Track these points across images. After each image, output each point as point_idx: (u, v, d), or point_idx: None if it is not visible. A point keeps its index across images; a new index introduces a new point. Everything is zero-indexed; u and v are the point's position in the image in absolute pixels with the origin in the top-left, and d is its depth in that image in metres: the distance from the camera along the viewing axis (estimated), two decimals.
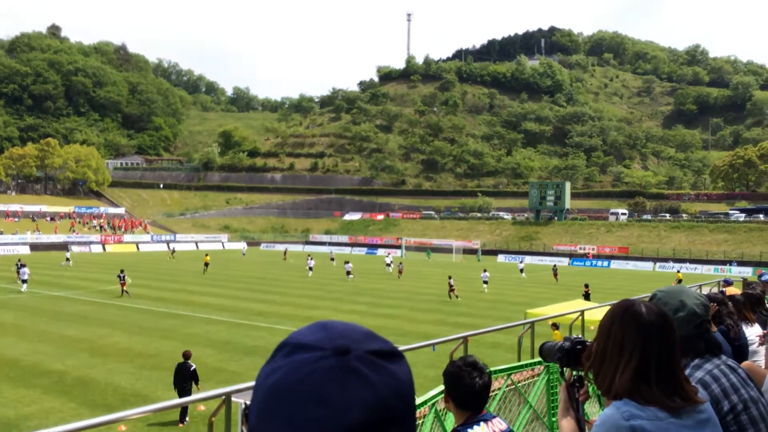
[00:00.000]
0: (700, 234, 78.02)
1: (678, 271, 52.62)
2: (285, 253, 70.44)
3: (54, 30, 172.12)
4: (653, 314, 1.98)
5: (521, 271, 53.47)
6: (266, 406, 0.83)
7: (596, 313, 13.17)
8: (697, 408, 1.91)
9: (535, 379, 7.10)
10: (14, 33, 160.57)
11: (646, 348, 1.90)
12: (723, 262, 66.35)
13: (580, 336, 2.52)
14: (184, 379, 13.90)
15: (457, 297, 34.81)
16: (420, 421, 5.55)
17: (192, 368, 14.04)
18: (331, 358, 0.82)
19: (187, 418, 13.88)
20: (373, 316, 28.50)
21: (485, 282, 40.54)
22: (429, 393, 5.45)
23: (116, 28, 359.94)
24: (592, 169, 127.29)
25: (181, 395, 13.63)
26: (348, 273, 47.42)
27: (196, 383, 13.97)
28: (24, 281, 36.02)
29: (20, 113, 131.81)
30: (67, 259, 54.47)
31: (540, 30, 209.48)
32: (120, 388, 16.19)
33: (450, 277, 36.58)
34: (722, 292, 6.80)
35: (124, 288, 34.01)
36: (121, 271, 35.10)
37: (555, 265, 56.66)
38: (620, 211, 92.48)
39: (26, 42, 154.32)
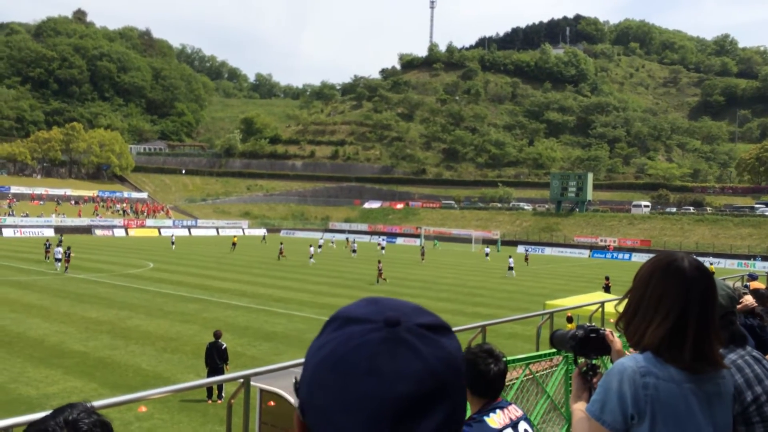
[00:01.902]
0: (725, 228, 76.86)
1: (710, 264, 52.85)
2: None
3: (80, 15, 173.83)
4: (697, 270, 1.89)
5: (486, 255, 61.50)
6: (317, 379, 0.84)
7: (623, 304, 13.00)
8: (720, 374, 1.87)
9: (554, 369, 7.06)
10: (41, 17, 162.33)
11: (685, 306, 1.84)
12: (747, 257, 65.36)
13: (593, 324, 2.48)
14: (215, 358, 14.27)
15: (385, 280, 36.19)
16: None
17: (223, 347, 14.41)
18: (381, 330, 0.83)
19: (222, 395, 14.22)
20: None
21: (510, 268, 43.76)
22: None
23: (141, 13, 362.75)
24: (616, 160, 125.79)
25: (210, 374, 13.99)
26: (353, 251, 56.25)
27: (226, 363, 14.27)
28: (58, 260, 38.30)
29: (46, 97, 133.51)
30: (172, 243, 57.78)
31: (565, 18, 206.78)
32: (141, 370, 16.41)
33: (379, 261, 38.54)
34: (746, 287, 6.69)
35: (67, 265, 37.12)
36: (68, 248, 38.66)
37: (527, 251, 63.21)
38: (643, 203, 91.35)
39: (52, 27, 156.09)
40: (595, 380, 2.25)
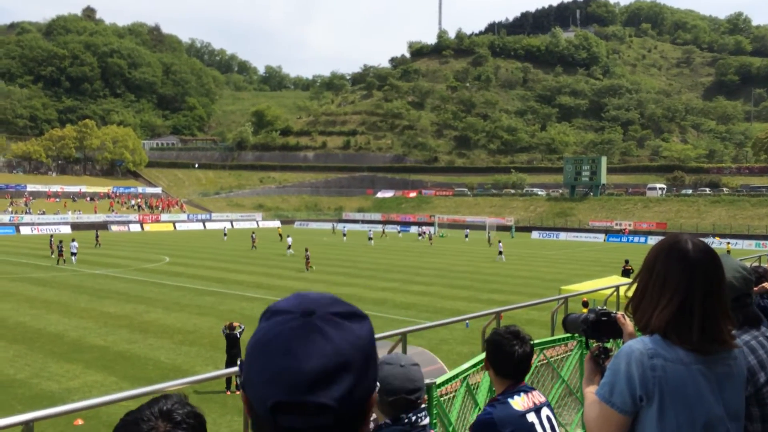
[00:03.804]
0: (742, 208, 76.07)
1: (728, 243, 53.03)
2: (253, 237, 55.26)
3: (89, 12, 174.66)
4: (700, 251, 1.88)
5: (466, 236, 68.17)
6: (249, 358, 1.04)
7: (632, 289, 12.93)
8: (732, 354, 1.87)
9: (569, 354, 7.05)
10: (51, 16, 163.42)
11: (690, 287, 1.83)
12: (765, 237, 64.68)
13: (605, 308, 2.48)
14: (231, 346, 14.88)
15: (312, 268, 36.46)
16: (451, 395, 5.57)
17: (237, 335, 14.98)
18: (299, 319, 1.02)
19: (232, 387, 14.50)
20: (406, 293, 28.59)
21: (500, 252, 44.84)
22: (461, 366, 5.45)
23: (150, 9, 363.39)
24: (629, 143, 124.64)
25: (229, 364, 14.61)
26: (369, 238, 59.65)
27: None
28: (74, 254, 39.49)
29: (58, 95, 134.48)
30: (289, 247, 47.02)
31: (575, 1, 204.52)
32: (160, 363, 16.61)
33: (306, 249, 38.25)
34: (764, 267, 6.61)
35: (62, 257, 38.92)
36: (60, 242, 40.33)
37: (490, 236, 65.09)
38: (658, 185, 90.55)
39: (62, 25, 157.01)
40: (606, 363, 2.25)
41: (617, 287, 11.81)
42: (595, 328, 2.38)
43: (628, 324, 2.31)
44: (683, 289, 1.84)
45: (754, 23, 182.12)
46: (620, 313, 2.36)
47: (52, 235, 49.99)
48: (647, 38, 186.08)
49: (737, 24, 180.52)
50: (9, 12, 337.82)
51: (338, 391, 0.99)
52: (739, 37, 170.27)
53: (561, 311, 10.49)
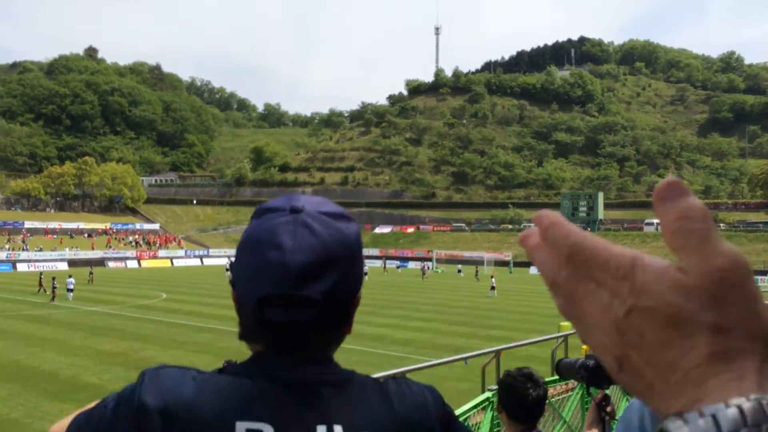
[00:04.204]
0: (739, 244, 76.16)
1: None
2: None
3: (91, 52, 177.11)
4: None
5: (458, 271, 68.24)
6: (239, 255, 1.06)
7: None
8: None
9: (570, 393, 6.98)
10: (53, 55, 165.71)
11: None
12: (764, 273, 64.60)
13: None
14: None
15: None
16: None
17: None
18: (287, 215, 1.04)
19: None
20: (405, 329, 28.39)
21: (492, 287, 44.46)
22: (462, 407, 5.40)
23: (151, 48, 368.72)
24: (626, 179, 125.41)
25: None
26: (365, 273, 58.92)
27: None
28: (70, 290, 38.93)
29: (59, 133, 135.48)
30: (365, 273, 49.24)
31: (570, 40, 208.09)
32: None
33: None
34: None
35: (55, 294, 38.27)
36: (53, 278, 39.96)
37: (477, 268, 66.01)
38: (655, 221, 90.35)
39: (64, 64, 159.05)
40: (608, 408, 2.20)
41: None
42: (596, 374, 2.30)
43: None
44: None
45: (747, 62, 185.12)
46: None
47: (41, 273, 49.60)
48: (641, 76, 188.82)
49: (730, 62, 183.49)
50: (11, 51, 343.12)
51: (324, 285, 0.99)
52: (732, 76, 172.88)
53: (561, 349, 10.43)
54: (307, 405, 1.00)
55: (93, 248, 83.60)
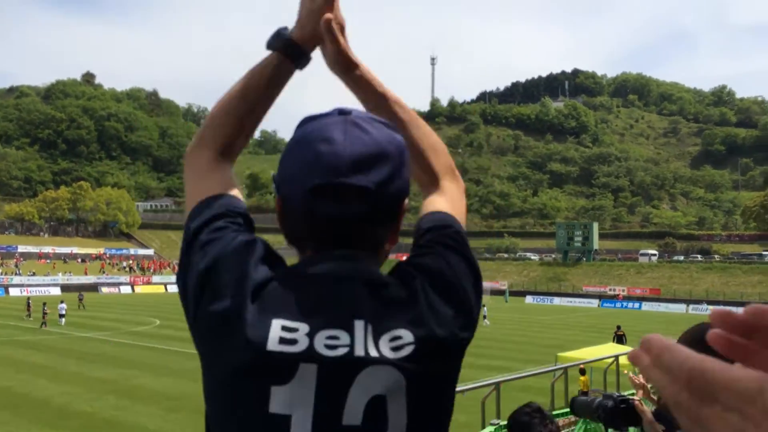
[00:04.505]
0: (734, 275, 76.30)
1: None
2: None
3: (88, 77, 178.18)
4: None
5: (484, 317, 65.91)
6: (285, 156, 1.05)
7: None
8: None
9: (572, 428, 6.91)
10: (50, 80, 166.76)
11: None
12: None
13: (620, 393, 2.41)
14: None
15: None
16: None
17: None
18: (336, 116, 1.03)
19: None
20: None
21: (484, 317, 43.62)
22: None
23: (148, 74, 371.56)
24: (620, 209, 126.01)
25: None
26: None
27: None
28: (62, 316, 38.59)
29: (54, 157, 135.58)
30: None
31: (563, 72, 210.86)
32: (147, 431, 16.12)
33: None
34: None
35: (45, 320, 37.56)
36: (44, 304, 39.57)
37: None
38: (650, 251, 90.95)
39: (61, 89, 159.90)
40: None
41: (617, 357, 11.69)
42: (614, 416, 2.28)
43: (647, 412, 2.25)
44: None
45: (738, 96, 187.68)
46: (638, 400, 2.29)
47: (29, 298, 49.09)
48: (634, 109, 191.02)
49: (721, 96, 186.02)
50: (9, 76, 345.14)
51: (377, 176, 0.98)
52: (724, 109, 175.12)
53: (561, 380, 10.34)
54: (346, 302, 0.97)
55: (86, 273, 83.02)
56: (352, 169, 0.96)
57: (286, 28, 1.19)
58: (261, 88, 1.22)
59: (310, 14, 1.20)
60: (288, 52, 1.18)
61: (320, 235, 1.03)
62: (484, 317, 44.84)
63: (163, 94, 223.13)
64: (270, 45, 1.18)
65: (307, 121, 1.06)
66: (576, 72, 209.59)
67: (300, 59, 1.23)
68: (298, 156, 1.00)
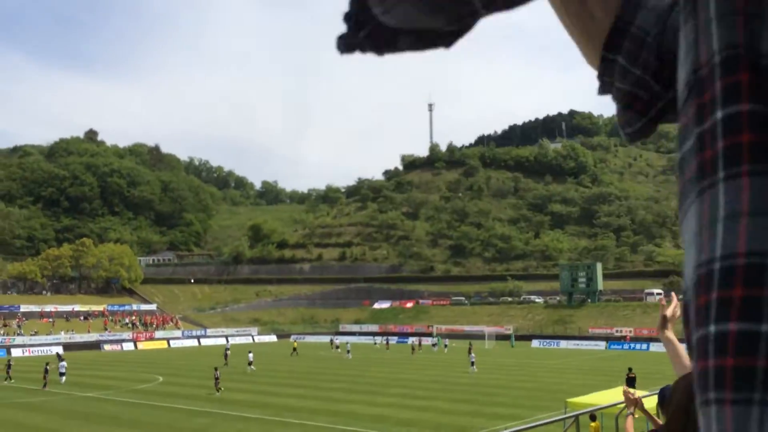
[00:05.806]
0: None
1: None
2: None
3: (91, 135, 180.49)
4: None
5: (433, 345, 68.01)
6: None
7: (645, 402, 12.58)
8: None
9: None
10: (53, 139, 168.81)
11: None
12: None
13: None
14: None
15: (220, 390, 33.48)
16: None
17: None
18: None
19: None
20: (407, 409, 27.65)
21: (472, 363, 43.72)
22: None
23: (150, 130, 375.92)
24: (623, 249, 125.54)
25: None
26: (347, 351, 59.66)
27: None
28: (62, 374, 38.36)
29: (57, 215, 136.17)
30: (250, 363, 45.51)
31: (560, 114, 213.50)
32: None
33: (216, 369, 35.42)
34: None
35: (46, 380, 36.93)
36: (47, 363, 39.13)
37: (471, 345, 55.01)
38: (655, 290, 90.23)
39: (64, 147, 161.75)
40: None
41: None
42: None
43: None
44: None
45: None
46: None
47: (9, 359, 48.81)
48: (632, 147, 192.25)
49: None
50: (12, 135, 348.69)
51: None
52: None
53: (573, 429, 10.14)
54: None
55: (89, 331, 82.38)
56: None
57: None
58: None
59: None
60: None
61: None
62: (472, 364, 44.18)
63: (165, 149, 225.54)
64: None
65: None
66: (572, 113, 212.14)
67: None
68: None
